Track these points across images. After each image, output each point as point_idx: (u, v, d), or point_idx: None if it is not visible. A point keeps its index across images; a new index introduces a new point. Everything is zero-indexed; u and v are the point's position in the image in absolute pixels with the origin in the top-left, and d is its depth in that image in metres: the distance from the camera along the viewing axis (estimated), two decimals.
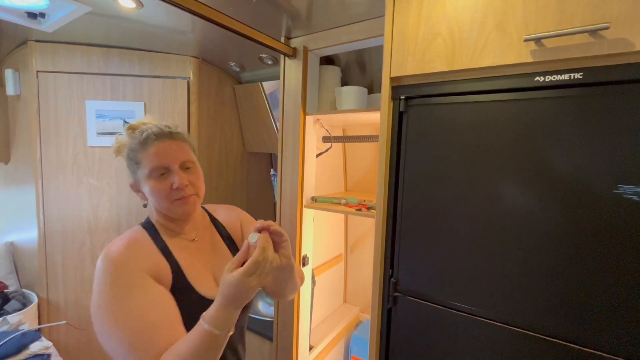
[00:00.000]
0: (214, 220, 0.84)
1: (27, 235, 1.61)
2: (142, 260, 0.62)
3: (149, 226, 0.71)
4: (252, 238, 0.58)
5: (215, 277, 0.74)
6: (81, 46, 1.51)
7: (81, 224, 1.56)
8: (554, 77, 0.67)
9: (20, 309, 1.50)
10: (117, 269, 0.59)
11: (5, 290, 1.60)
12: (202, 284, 0.69)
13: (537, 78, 0.69)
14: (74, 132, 1.53)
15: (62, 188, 1.53)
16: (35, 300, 1.56)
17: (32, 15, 1.23)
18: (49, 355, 1.32)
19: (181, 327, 0.60)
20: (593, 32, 0.62)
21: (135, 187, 0.71)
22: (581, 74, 0.65)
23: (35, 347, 1.32)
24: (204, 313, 0.56)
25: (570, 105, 0.66)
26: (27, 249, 1.64)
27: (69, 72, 1.51)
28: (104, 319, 0.56)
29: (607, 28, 0.60)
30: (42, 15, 1.25)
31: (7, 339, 1.29)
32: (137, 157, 0.67)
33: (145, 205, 0.74)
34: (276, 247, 0.62)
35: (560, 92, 0.67)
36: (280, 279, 0.74)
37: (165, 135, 0.69)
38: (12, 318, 1.42)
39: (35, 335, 1.37)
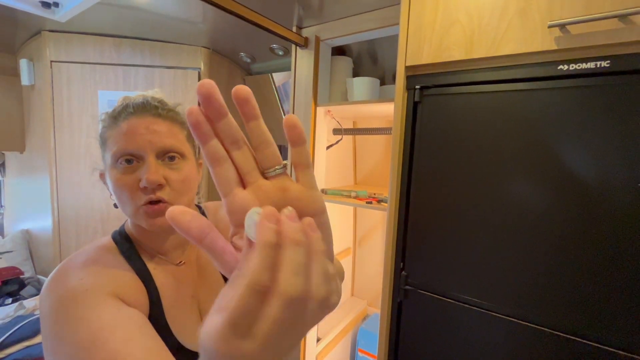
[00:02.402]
0: None
1: (42, 223, 1.65)
2: (106, 281, 0.44)
3: (121, 238, 0.52)
4: (249, 220, 0.22)
5: (203, 316, 0.54)
6: (93, 36, 1.52)
7: (94, 213, 1.59)
8: (579, 66, 0.64)
9: (36, 294, 1.55)
10: (69, 292, 0.40)
11: (22, 276, 1.64)
12: (183, 328, 0.50)
13: (561, 66, 0.66)
14: (87, 122, 1.54)
15: (76, 177, 1.56)
16: None
17: (46, 4, 1.24)
18: None
19: (161, 352, 0.39)
20: (623, 18, 0.59)
21: (104, 178, 0.52)
22: (608, 62, 0.62)
23: None
24: None
25: (596, 95, 0.63)
26: (42, 236, 1.68)
27: (82, 62, 1.52)
28: None
29: (638, 13, 0.57)
30: (56, 4, 1.26)
31: (23, 322, 1.32)
32: (104, 135, 0.49)
33: (116, 206, 0.51)
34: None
35: (585, 82, 0.64)
36: None
37: (149, 109, 0.48)
38: (28, 303, 1.47)
39: None
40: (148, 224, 0.47)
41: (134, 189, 0.46)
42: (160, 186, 0.46)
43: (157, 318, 0.47)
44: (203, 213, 0.63)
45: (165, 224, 0.47)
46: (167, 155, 0.48)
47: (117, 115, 0.48)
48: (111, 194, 0.50)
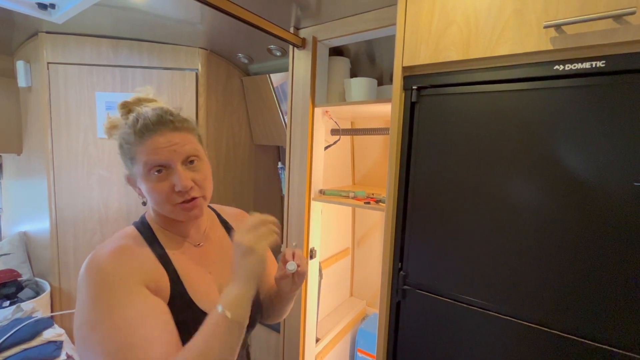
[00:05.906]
0: (224, 222, 0.75)
1: (39, 225, 1.64)
2: (134, 269, 0.52)
3: (144, 228, 0.61)
4: (292, 266, 0.63)
5: (221, 289, 0.63)
6: (91, 38, 1.51)
7: (92, 214, 1.58)
8: (575, 66, 0.65)
9: (34, 297, 1.54)
10: (104, 280, 0.49)
11: (19, 279, 1.64)
12: (204, 298, 0.59)
13: (557, 67, 0.66)
14: (85, 124, 1.54)
15: (73, 179, 1.55)
16: (48, 288, 1.60)
17: (42, 6, 1.24)
18: (61, 342, 1.36)
19: (179, 345, 0.50)
20: (617, 18, 0.59)
21: (132, 182, 0.62)
22: (603, 62, 0.62)
23: (49, 334, 1.35)
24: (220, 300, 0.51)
25: (591, 94, 0.63)
26: (39, 238, 1.67)
27: (79, 63, 1.51)
28: (87, 339, 0.46)
29: (632, 13, 0.57)
30: (52, 6, 1.25)
31: (21, 325, 1.32)
32: (131, 152, 0.57)
33: (144, 203, 0.63)
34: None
35: (581, 81, 0.64)
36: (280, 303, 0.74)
37: (166, 124, 0.57)
38: (26, 305, 1.46)
39: (48, 322, 1.40)
40: (185, 216, 0.59)
41: (170, 192, 0.57)
42: (191, 188, 0.58)
43: (181, 293, 0.57)
44: (215, 211, 0.76)
45: (198, 214, 0.60)
46: (189, 160, 0.59)
47: (139, 133, 0.56)
48: (139, 195, 0.62)
